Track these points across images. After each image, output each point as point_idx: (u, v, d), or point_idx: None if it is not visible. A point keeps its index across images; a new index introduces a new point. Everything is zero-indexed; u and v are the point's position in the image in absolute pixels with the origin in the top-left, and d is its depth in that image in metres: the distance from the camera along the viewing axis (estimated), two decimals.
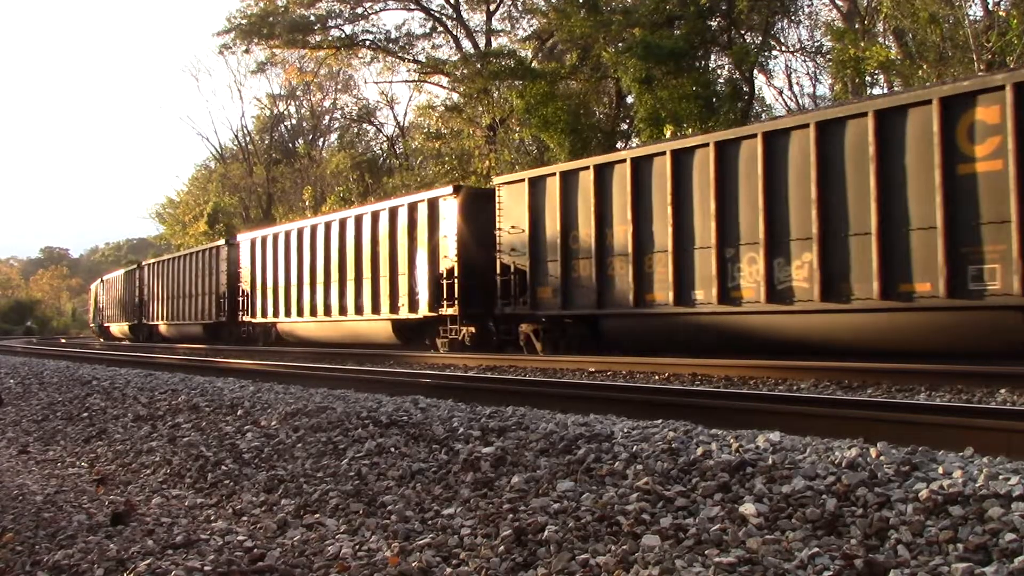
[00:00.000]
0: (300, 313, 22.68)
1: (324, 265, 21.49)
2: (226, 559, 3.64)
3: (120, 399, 9.16)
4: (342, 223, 20.96)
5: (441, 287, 17.05)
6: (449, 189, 17.67)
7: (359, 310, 19.99)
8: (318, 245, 21.89)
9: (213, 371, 12.42)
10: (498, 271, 15.91)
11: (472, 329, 16.95)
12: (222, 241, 27.88)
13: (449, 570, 3.32)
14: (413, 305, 18.04)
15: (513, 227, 15.73)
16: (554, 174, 15.06)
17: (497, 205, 16.13)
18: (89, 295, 50.70)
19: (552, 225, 14.91)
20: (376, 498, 4.42)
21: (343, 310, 20.63)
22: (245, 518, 4.50)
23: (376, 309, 19.31)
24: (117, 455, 6.63)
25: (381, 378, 9.84)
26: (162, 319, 32.53)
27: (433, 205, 17.60)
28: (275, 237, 24.17)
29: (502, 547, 3.43)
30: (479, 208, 16.81)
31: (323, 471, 5.03)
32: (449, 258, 16.96)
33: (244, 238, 26.33)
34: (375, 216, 19.59)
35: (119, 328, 39.63)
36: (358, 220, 20.28)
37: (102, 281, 44.16)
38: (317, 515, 4.34)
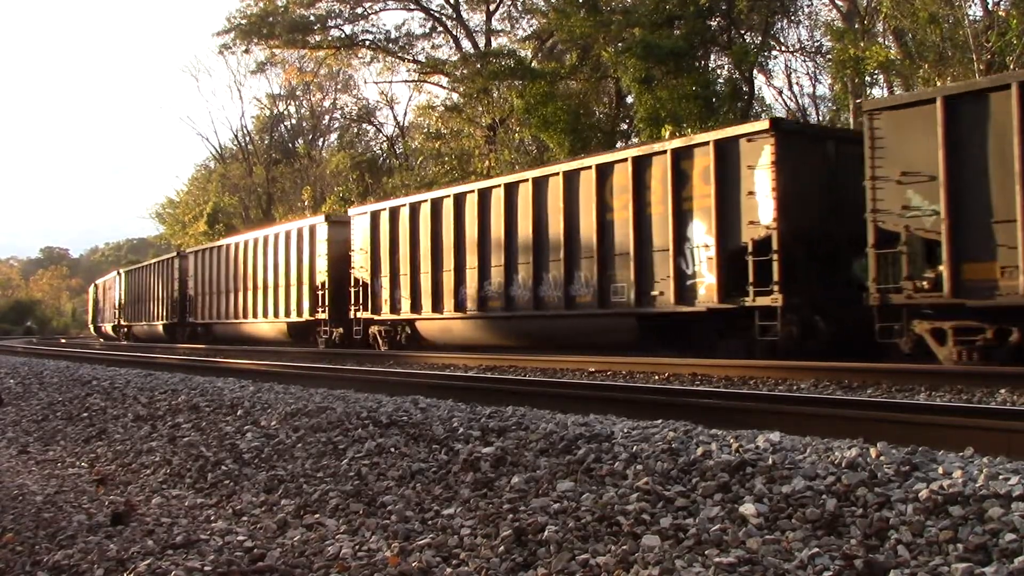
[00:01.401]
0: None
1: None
2: (226, 559, 3.64)
3: (120, 399, 9.16)
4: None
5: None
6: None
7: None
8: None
9: (213, 371, 12.42)
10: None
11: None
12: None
13: (449, 570, 3.32)
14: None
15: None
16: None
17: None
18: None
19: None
20: (376, 498, 4.42)
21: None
22: (245, 518, 4.50)
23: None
24: (117, 455, 6.63)
25: (381, 378, 9.84)
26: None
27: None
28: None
29: (502, 547, 3.44)
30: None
31: (323, 471, 5.03)
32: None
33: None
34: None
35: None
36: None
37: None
38: (317, 515, 4.34)
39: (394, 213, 18.96)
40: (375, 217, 19.58)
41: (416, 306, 18.15)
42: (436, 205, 17.80)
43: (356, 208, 21.38)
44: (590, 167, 14.30)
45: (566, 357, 13.11)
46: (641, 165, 13.42)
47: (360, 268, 19.92)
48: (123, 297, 38.78)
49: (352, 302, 20.00)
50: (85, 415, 8.68)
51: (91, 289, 49.46)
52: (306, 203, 43.39)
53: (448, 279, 17.24)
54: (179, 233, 53.41)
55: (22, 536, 4.30)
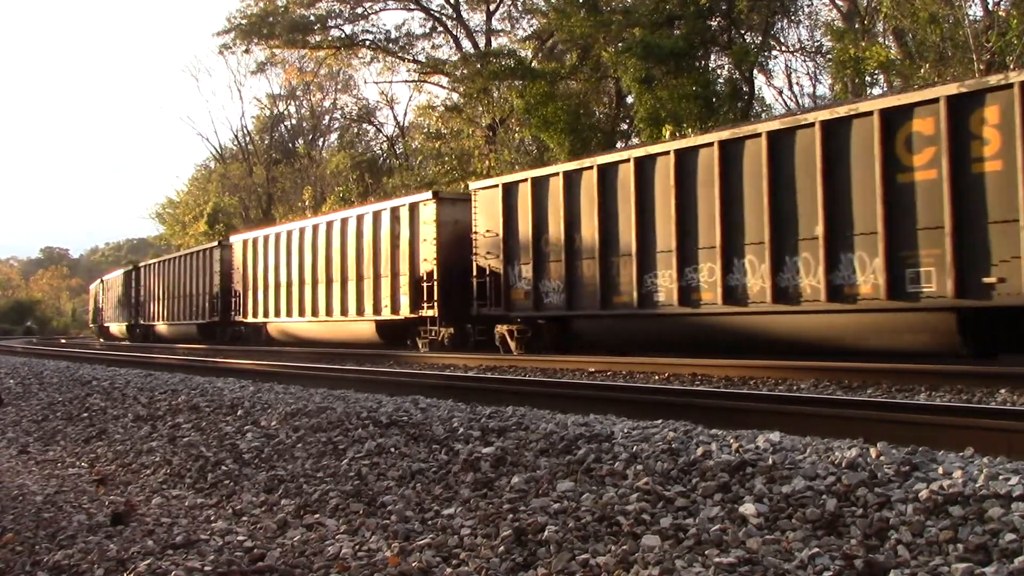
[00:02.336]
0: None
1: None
2: (226, 559, 3.64)
3: (120, 399, 9.16)
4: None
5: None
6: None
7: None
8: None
9: (213, 371, 12.42)
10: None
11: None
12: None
13: (449, 570, 3.32)
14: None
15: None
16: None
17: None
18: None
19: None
20: (376, 498, 4.42)
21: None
22: (245, 518, 4.50)
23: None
24: (117, 455, 6.63)
25: (381, 378, 9.84)
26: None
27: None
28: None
29: (502, 547, 3.43)
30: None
31: (323, 471, 5.03)
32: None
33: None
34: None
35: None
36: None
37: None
38: (317, 515, 4.34)
39: (540, 184, 15.34)
40: (509, 191, 15.97)
41: (574, 301, 14.59)
42: (605, 172, 14.07)
43: (480, 182, 17.74)
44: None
45: (566, 357, 13.11)
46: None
47: (487, 255, 16.43)
48: (141, 294, 35.33)
49: (474, 296, 16.57)
50: (85, 415, 8.68)
51: (92, 287, 49.03)
52: (306, 203, 43.39)
53: (626, 265, 13.64)
54: (179, 233, 53.40)
55: (22, 536, 4.30)
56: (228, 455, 5.78)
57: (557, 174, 14.95)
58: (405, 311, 18.36)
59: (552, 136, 26.73)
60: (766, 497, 3.41)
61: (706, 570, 2.93)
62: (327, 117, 51.38)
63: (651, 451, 4.13)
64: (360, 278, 20.20)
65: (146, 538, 4.11)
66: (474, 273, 16.56)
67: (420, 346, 18.26)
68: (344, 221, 21.17)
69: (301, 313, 22.72)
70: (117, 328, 38.49)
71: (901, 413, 5.20)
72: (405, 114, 51.27)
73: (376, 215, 19.78)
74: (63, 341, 44.34)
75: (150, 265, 33.75)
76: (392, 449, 5.16)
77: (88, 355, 20.63)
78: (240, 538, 4.02)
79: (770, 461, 3.71)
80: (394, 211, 19.10)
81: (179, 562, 3.62)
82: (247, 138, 52.18)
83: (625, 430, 4.66)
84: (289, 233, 23.77)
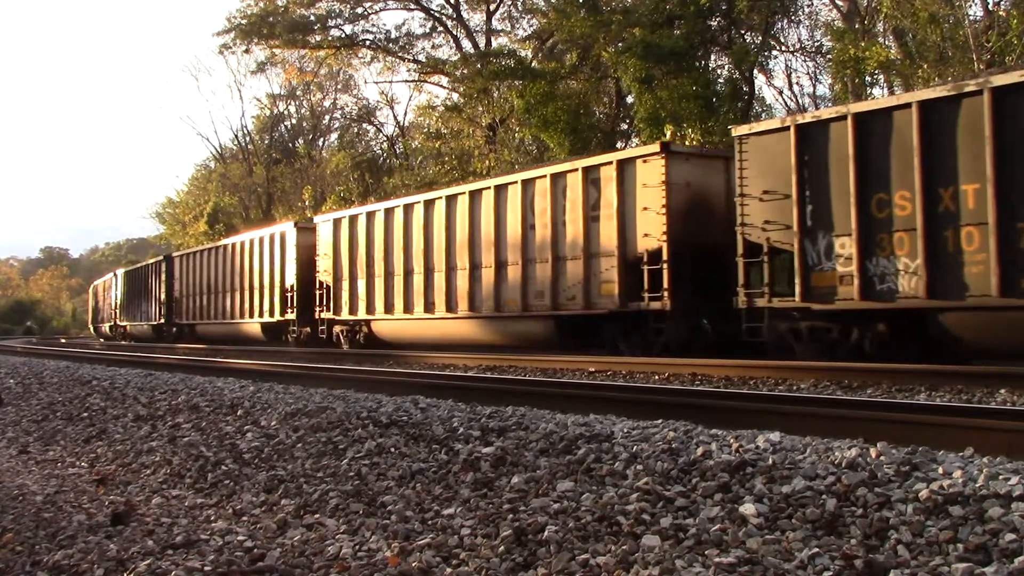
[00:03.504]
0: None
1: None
2: (226, 559, 3.64)
3: (120, 399, 9.16)
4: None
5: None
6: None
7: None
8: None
9: (213, 371, 12.42)
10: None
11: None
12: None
13: (449, 570, 3.32)
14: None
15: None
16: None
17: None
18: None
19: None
20: (376, 498, 4.42)
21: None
22: (245, 518, 4.50)
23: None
24: (117, 455, 6.63)
25: (381, 378, 9.84)
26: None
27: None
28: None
29: (502, 547, 3.43)
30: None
31: (323, 471, 5.03)
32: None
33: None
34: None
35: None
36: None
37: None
38: (317, 515, 4.34)
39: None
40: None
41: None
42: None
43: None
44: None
45: (566, 357, 13.11)
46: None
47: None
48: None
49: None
50: (85, 415, 8.68)
51: (91, 290, 49.69)
52: (306, 203, 43.38)
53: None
54: (179, 233, 53.40)
55: (22, 536, 4.30)
56: (228, 455, 5.78)
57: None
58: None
59: (552, 136, 26.73)
60: (766, 497, 3.41)
61: (706, 570, 2.93)
62: (327, 117, 51.42)
63: (651, 451, 4.13)
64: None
65: (146, 538, 4.11)
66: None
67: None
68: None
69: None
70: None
71: (901, 413, 5.19)
72: (405, 114, 51.25)
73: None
74: (63, 341, 44.35)
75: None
76: (392, 449, 5.16)
77: (88, 355, 20.63)
78: (240, 538, 4.02)
79: (770, 461, 3.71)
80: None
81: (179, 562, 3.63)
82: (247, 138, 52.21)
83: (625, 430, 4.66)
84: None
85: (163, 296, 32.37)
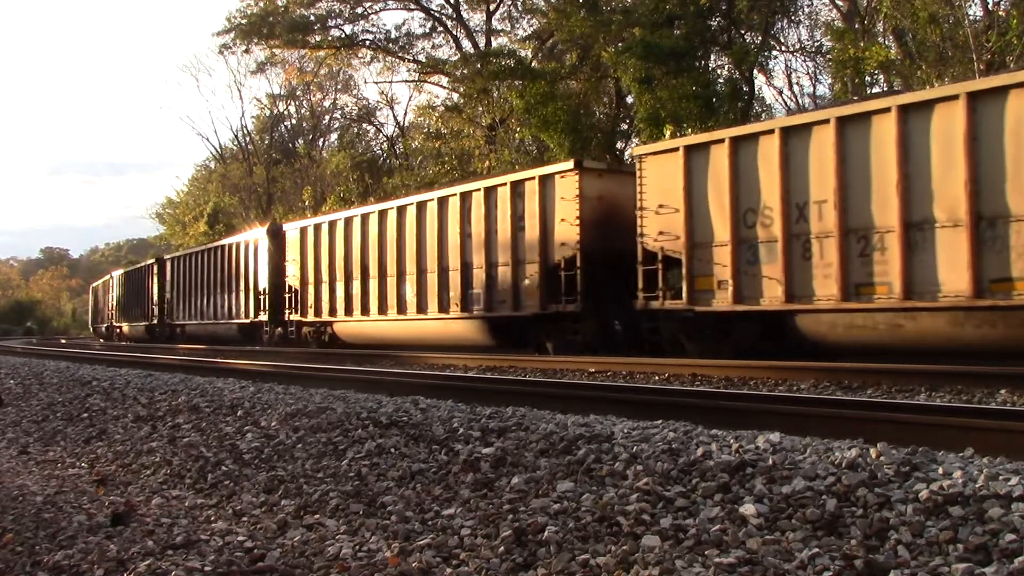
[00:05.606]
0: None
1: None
2: (226, 559, 3.64)
3: (120, 399, 9.16)
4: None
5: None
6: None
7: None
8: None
9: (213, 371, 12.42)
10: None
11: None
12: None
13: (449, 571, 3.32)
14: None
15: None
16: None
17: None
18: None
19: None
20: (376, 498, 4.42)
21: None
22: (245, 518, 4.50)
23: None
24: (117, 456, 6.63)
25: (381, 379, 9.84)
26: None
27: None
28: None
29: (502, 548, 3.44)
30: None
31: (323, 471, 5.04)
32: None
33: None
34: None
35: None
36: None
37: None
38: (317, 515, 4.34)
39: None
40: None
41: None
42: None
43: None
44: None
45: (566, 357, 13.12)
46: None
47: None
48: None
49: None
50: (85, 415, 8.68)
51: (91, 290, 49.77)
52: (306, 203, 43.40)
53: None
54: (179, 233, 53.42)
55: (22, 536, 4.30)
56: (228, 455, 5.78)
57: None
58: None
59: (552, 136, 26.73)
60: (766, 497, 3.41)
61: (706, 570, 2.93)
62: (327, 117, 51.45)
63: (651, 451, 4.13)
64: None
65: (146, 538, 4.11)
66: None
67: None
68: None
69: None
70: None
71: (901, 413, 5.20)
72: (405, 114, 51.28)
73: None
74: (63, 341, 44.35)
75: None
76: (392, 449, 5.16)
77: (88, 355, 20.63)
78: (240, 538, 4.02)
79: (770, 461, 3.71)
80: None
81: (179, 562, 3.63)
82: (247, 138, 52.22)
83: (625, 430, 4.66)
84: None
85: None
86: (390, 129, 47.55)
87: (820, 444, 4.02)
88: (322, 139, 52.15)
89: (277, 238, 23.66)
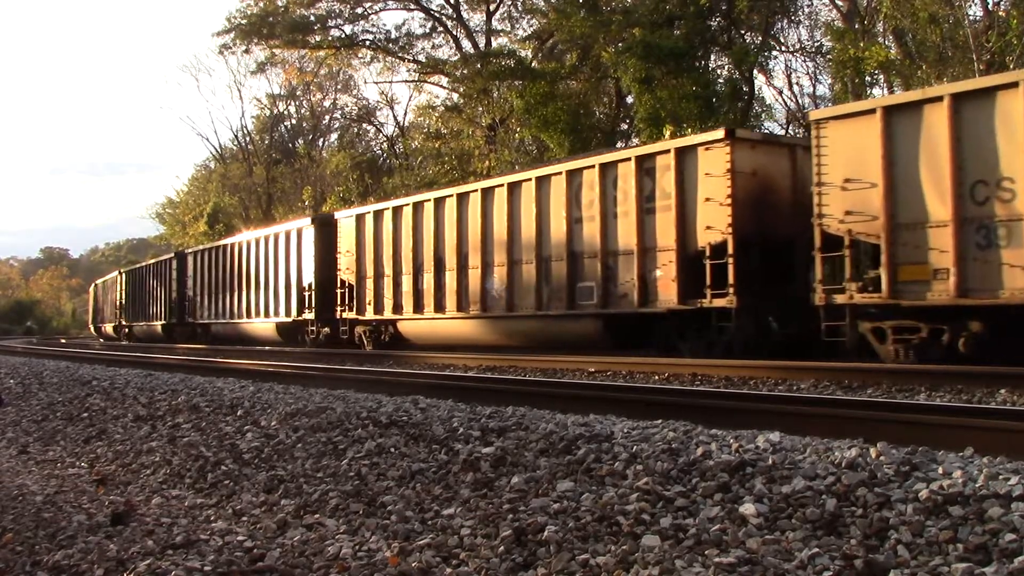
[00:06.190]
0: None
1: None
2: (226, 559, 3.64)
3: (120, 399, 9.16)
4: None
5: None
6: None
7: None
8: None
9: (213, 371, 12.42)
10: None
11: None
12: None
13: (449, 570, 3.32)
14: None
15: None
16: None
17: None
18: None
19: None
20: (376, 498, 4.42)
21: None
22: (245, 518, 4.50)
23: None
24: (117, 455, 6.63)
25: (381, 378, 9.84)
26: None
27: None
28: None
29: (502, 547, 3.43)
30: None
31: (323, 471, 5.03)
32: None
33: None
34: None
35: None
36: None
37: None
38: (317, 515, 4.34)
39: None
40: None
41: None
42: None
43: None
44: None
45: (566, 357, 13.11)
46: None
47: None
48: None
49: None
50: (85, 415, 8.68)
51: (91, 289, 49.48)
52: (306, 203, 43.41)
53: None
54: (179, 233, 53.44)
55: (22, 536, 4.30)
56: (228, 455, 5.78)
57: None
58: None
59: (552, 136, 26.75)
60: (766, 497, 3.41)
61: (706, 570, 2.93)
62: (327, 117, 51.47)
63: (651, 451, 4.12)
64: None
65: (146, 538, 4.11)
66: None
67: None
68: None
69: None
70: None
71: (901, 413, 5.19)
72: (405, 114, 51.25)
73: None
74: (63, 341, 44.35)
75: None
76: (392, 449, 5.16)
77: (88, 355, 20.63)
78: (240, 538, 4.02)
79: (770, 461, 3.71)
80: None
81: (179, 562, 3.63)
82: (247, 138, 52.23)
83: (625, 430, 4.66)
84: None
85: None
86: (390, 129, 47.64)
87: (820, 444, 4.02)
88: (322, 139, 52.22)
89: (326, 228, 21.17)
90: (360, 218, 19.73)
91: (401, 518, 4.04)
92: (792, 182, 12.44)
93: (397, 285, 18.30)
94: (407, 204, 18.37)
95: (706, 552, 3.08)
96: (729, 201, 11.84)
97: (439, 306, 17.09)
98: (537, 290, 14.84)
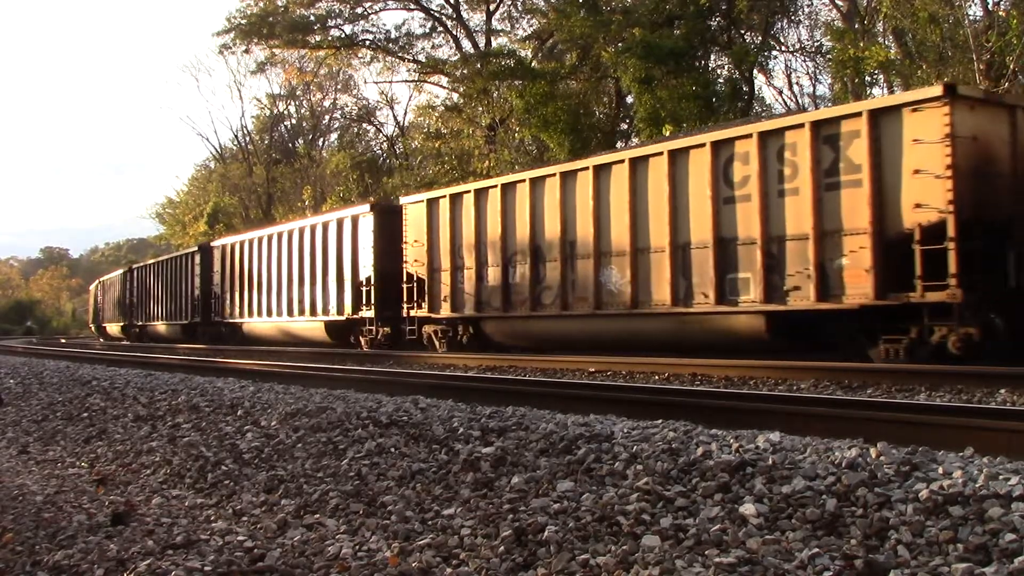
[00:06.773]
0: None
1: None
2: (226, 559, 3.64)
3: (120, 399, 9.16)
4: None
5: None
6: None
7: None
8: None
9: (213, 371, 12.42)
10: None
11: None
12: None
13: (449, 570, 3.32)
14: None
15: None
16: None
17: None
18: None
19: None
20: (376, 498, 4.42)
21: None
22: (245, 518, 4.50)
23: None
24: (117, 455, 6.63)
25: (381, 378, 9.84)
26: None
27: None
28: None
29: (502, 547, 3.43)
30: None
31: (323, 471, 5.03)
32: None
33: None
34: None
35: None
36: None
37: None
38: (317, 515, 4.34)
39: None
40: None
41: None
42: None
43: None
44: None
45: (566, 357, 13.11)
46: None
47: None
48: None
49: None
50: (85, 415, 8.68)
51: (92, 289, 49.31)
52: (306, 203, 43.41)
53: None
54: (179, 233, 53.43)
55: (22, 536, 4.30)
56: (228, 455, 5.78)
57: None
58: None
59: (552, 136, 26.74)
60: (766, 497, 3.41)
61: (706, 570, 2.93)
62: (327, 117, 51.44)
63: (651, 451, 4.13)
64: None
65: (146, 538, 4.11)
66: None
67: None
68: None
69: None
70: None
71: (901, 413, 5.20)
72: (405, 114, 51.25)
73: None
74: (63, 341, 44.36)
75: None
76: (392, 449, 5.16)
77: (88, 355, 20.63)
78: (240, 538, 4.02)
79: (770, 461, 3.71)
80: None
81: (179, 562, 3.63)
82: (247, 138, 52.23)
83: (625, 430, 4.66)
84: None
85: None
86: (390, 129, 47.61)
87: (820, 444, 4.02)
88: (322, 139, 52.19)
89: (389, 216, 18.85)
90: (432, 203, 17.05)
91: (401, 518, 4.04)
92: (1012, 150, 10.26)
93: (481, 279, 15.83)
94: (494, 186, 15.77)
95: (706, 552, 3.08)
96: (949, 173, 9.67)
97: (536, 303, 14.77)
98: (672, 283, 12.50)
